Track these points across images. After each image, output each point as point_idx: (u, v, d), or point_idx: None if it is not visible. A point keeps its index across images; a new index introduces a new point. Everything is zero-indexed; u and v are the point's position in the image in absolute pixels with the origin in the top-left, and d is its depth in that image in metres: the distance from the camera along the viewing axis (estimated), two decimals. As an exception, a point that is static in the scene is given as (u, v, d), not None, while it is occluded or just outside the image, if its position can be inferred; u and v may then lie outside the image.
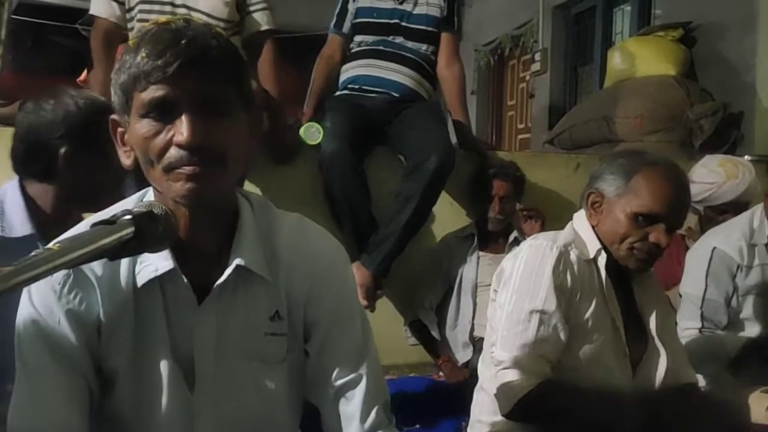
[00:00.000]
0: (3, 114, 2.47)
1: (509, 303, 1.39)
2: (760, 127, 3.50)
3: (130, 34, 2.37)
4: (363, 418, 1.01)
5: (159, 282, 0.93)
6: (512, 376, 1.33)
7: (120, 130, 0.93)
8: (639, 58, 3.81)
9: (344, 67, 2.85)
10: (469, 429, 1.59)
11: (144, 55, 0.84)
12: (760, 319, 1.95)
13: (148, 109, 0.86)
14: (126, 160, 0.93)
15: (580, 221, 1.49)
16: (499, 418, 1.41)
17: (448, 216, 2.79)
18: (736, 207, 2.18)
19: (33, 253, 0.60)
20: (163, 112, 0.86)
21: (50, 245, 0.62)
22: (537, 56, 5.46)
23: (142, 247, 0.73)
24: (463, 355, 2.51)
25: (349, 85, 2.77)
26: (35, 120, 1.34)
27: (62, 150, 1.32)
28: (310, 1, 4.57)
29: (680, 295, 2.41)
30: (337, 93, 2.83)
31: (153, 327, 0.94)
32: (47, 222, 1.33)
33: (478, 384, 1.55)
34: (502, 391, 1.34)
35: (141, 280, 0.93)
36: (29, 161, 1.36)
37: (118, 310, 0.93)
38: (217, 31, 0.90)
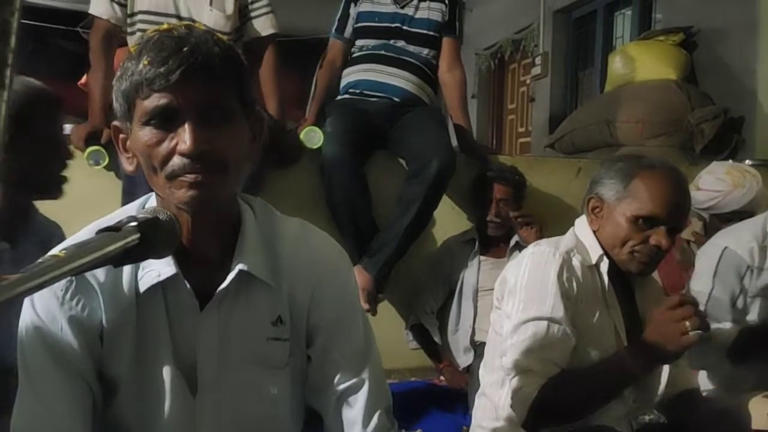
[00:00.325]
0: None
1: (516, 312, 1.38)
2: (761, 132, 3.50)
3: (130, 40, 2.38)
4: (365, 423, 1.01)
5: (161, 288, 0.94)
6: (523, 381, 1.32)
7: (122, 136, 0.93)
8: (640, 63, 3.81)
9: (345, 72, 2.85)
10: (470, 434, 1.59)
11: (146, 62, 0.84)
12: None
13: (151, 117, 0.86)
14: (129, 167, 0.93)
15: (582, 227, 1.49)
16: (500, 423, 1.40)
17: (449, 220, 2.80)
18: (741, 216, 2.18)
19: (39, 261, 0.60)
20: (165, 120, 0.86)
21: (56, 252, 0.62)
22: (538, 60, 5.46)
23: (147, 254, 0.73)
24: (464, 360, 2.51)
25: (351, 90, 2.78)
26: None
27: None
28: (312, 5, 4.58)
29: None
30: (339, 97, 2.83)
31: (155, 333, 0.94)
32: None
33: (480, 389, 1.55)
34: (515, 397, 1.33)
35: (143, 286, 0.93)
36: None
37: (120, 316, 0.93)
38: (219, 37, 0.90)
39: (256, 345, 0.98)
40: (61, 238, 1.54)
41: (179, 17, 2.33)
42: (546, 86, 5.49)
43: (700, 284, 1.94)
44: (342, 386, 1.02)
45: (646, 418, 1.61)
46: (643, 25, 4.69)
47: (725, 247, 1.92)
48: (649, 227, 1.38)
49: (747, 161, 2.85)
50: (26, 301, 0.93)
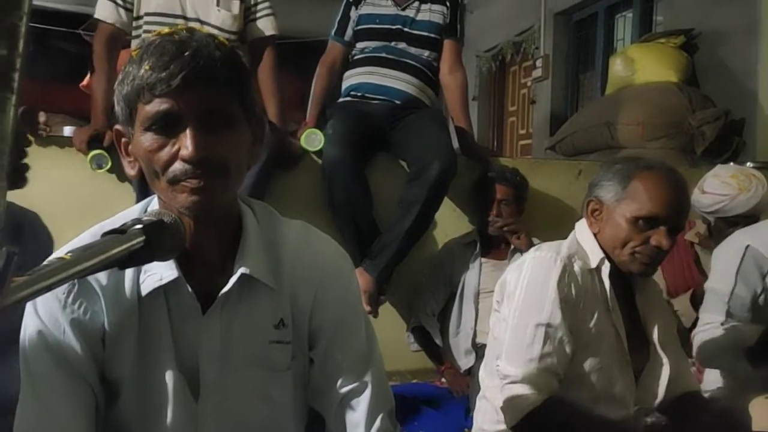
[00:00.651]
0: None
1: (514, 317, 1.39)
2: (762, 134, 3.50)
3: (135, 43, 2.38)
4: (368, 426, 1.01)
5: (163, 291, 0.94)
6: (520, 390, 1.33)
7: (124, 140, 0.93)
8: (640, 65, 3.82)
9: (346, 74, 2.85)
10: (471, 437, 1.59)
11: (148, 67, 0.84)
12: None
13: (152, 123, 0.86)
14: (131, 171, 0.94)
15: (582, 230, 1.49)
16: (501, 426, 1.40)
17: (450, 222, 2.80)
18: (747, 220, 2.18)
19: (45, 263, 0.60)
20: (167, 125, 0.86)
21: (62, 255, 0.62)
22: (538, 62, 5.47)
23: (152, 256, 0.73)
24: (465, 362, 2.51)
25: (352, 92, 2.78)
26: None
27: None
28: (313, 7, 4.59)
29: (683, 301, 2.41)
30: (340, 100, 2.84)
31: (157, 336, 0.94)
32: None
33: (481, 392, 1.55)
34: (510, 406, 1.34)
35: (145, 290, 0.93)
36: None
37: (122, 319, 0.93)
38: (220, 41, 0.90)
39: (259, 348, 0.98)
40: (33, 226, 1.53)
41: (186, 18, 2.33)
42: (547, 88, 5.49)
43: (720, 283, 1.93)
44: (344, 389, 1.02)
45: (648, 420, 1.61)
46: (643, 27, 4.69)
47: (747, 245, 1.91)
48: (649, 228, 1.38)
49: (748, 163, 2.85)
50: (29, 305, 0.93)
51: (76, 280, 0.90)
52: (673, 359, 1.48)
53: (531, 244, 2.42)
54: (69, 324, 0.92)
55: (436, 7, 2.78)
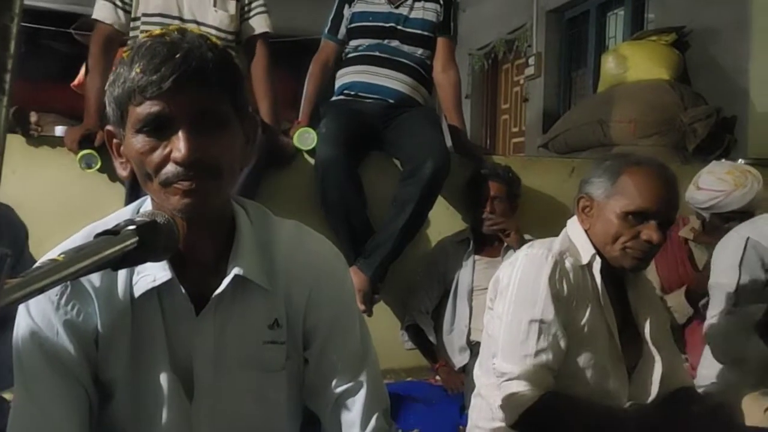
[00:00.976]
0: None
1: (507, 314, 1.39)
2: (754, 131, 3.52)
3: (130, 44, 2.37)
4: (363, 425, 1.01)
5: (157, 292, 0.93)
6: (517, 387, 1.33)
7: (116, 141, 0.93)
8: (632, 63, 3.83)
9: (340, 73, 2.85)
10: (466, 435, 1.59)
11: (138, 69, 0.83)
12: None
13: (144, 125, 0.85)
14: (122, 172, 0.93)
15: (574, 227, 1.50)
16: (496, 424, 1.41)
17: (444, 221, 2.80)
18: (742, 216, 2.19)
19: (38, 264, 0.59)
20: (158, 127, 0.85)
21: (55, 256, 0.62)
22: (531, 60, 5.48)
23: (146, 257, 0.72)
24: (459, 360, 2.52)
25: (345, 91, 2.78)
26: None
27: None
28: (307, 5, 4.58)
29: (676, 297, 2.42)
30: (333, 98, 2.83)
31: (151, 337, 0.94)
32: None
33: (476, 390, 1.55)
34: (507, 403, 1.34)
35: (138, 291, 0.93)
36: None
37: (115, 320, 0.93)
38: (212, 41, 0.89)
39: (253, 349, 0.98)
40: (7, 218, 1.51)
41: (183, 19, 2.32)
42: (539, 86, 5.50)
43: (725, 277, 1.94)
44: (339, 389, 1.02)
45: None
46: (635, 25, 4.71)
47: (748, 238, 1.92)
48: (640, 222, 1.39)
49: (740, 160, 2.86)
50: (21, 306, 0.92)
51: (69, 282, 0.89)
52: (666, 355, 1.49)
53: (523, 242, 2.43)
54: (62, 325, 0.91)
55: (429, 5, 2.78)
